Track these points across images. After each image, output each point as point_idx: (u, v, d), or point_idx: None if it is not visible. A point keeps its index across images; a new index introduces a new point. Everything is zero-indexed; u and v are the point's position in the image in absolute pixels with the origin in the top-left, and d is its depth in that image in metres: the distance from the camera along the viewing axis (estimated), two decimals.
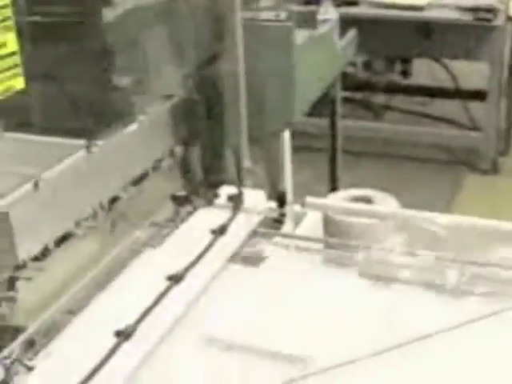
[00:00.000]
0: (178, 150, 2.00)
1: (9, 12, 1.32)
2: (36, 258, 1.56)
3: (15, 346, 1.47)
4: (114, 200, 1.77)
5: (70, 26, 1.71)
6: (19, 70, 1.36)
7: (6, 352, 1.45)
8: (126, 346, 1.38)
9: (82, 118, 1.84)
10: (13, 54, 1.35)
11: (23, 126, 1.80)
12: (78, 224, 1.65)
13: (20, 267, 1.52)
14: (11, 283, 1.52)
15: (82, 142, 1.71)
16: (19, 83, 1.37)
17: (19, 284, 1.52)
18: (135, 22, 1.96)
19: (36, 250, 1.55)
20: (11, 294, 1.51)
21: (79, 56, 1.77)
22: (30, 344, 1.52)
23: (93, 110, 1.84)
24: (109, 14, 1.88)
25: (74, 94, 1.81)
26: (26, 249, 1.51)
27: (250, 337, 1.49)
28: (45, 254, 1.57)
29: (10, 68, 1.34)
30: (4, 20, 1.31)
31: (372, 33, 4.06)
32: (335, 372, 1.36)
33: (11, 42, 1.34)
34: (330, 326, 1.52)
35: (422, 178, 4.51)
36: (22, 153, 1.75)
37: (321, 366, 1.37)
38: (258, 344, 1.46)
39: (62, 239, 1.63)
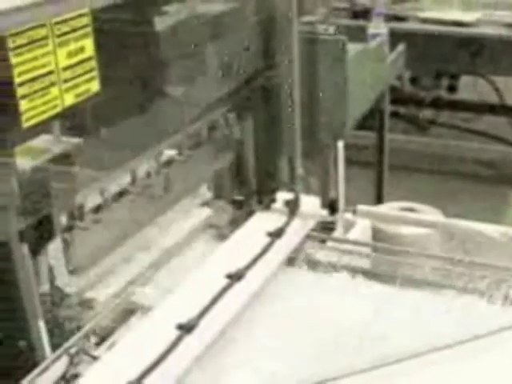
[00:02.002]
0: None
1: (87, 20, 1.40)
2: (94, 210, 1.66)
3: (79, 337, 1.55)
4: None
5: (121, 33, 1.73)
6: (95, 73, 1.44)
7: (70, 342, 1.53)
8: (188, 338, 1.45)
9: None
10: (89, 58, 1.42)
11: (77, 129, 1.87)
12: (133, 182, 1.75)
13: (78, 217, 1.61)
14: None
15: None
16: (94, 86, 1.44)
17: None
18: (189, 31, 2.01)
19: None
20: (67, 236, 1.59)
21: (131, 64, 1.79)
22: (94, 335, 1.59)
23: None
24: (161, 23, 1.92)
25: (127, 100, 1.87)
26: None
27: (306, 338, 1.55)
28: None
29: (86, 72, 1.42)
30: (83, 27, 1.39)
31: (420, 48, 4.09)
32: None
33: (88, 47, 1.42)
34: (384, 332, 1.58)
35: (467, 194, 4.51)
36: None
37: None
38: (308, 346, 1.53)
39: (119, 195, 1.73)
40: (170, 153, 1.90)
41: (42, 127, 1.44)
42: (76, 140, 1.60)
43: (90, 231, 1.63)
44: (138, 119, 1.78)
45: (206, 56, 2.04)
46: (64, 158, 1.56)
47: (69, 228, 1.60)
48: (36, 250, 1.50)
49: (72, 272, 1.63)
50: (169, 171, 1.86)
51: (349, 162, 2.52)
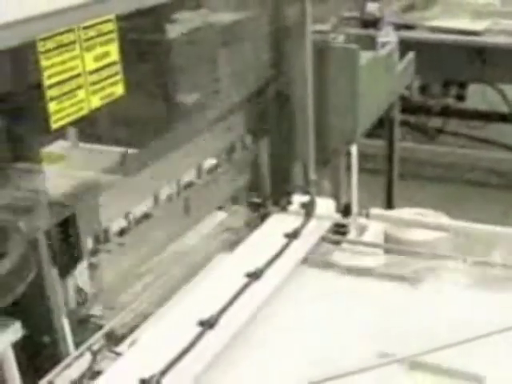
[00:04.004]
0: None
1: (112, 26, 1.44)
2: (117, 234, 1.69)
3: (102, 334, 1.59)
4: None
5: (132, 42, 1.75)
6: (119, 77, 1.49)
7: (93, 339, 1.57)
8: (210, 334, 1.49)
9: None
10: (114, 63, 1.47)
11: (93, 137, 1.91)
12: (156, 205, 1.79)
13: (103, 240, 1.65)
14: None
15: None
16: (119, 90, 1.49)
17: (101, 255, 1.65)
18: (203, 39, 2.03)
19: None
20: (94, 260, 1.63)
21: (143, 72, 1.83)
22: (116, 332, 1.63)
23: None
24: (173, 31, 1.94)
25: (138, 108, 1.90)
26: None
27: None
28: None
29: (111, 76, 1.46)
30: (108, 32, 1.44)
31: (429, 57, 4.12)
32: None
33: (113, 52, 1.46)
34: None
35: (476, 201, 4.53)
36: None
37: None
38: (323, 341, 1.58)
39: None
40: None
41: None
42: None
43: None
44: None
45: (221, 64, 2.07)
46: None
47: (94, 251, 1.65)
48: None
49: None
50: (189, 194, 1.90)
51: (359, 169, 2.57)
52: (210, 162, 2.00)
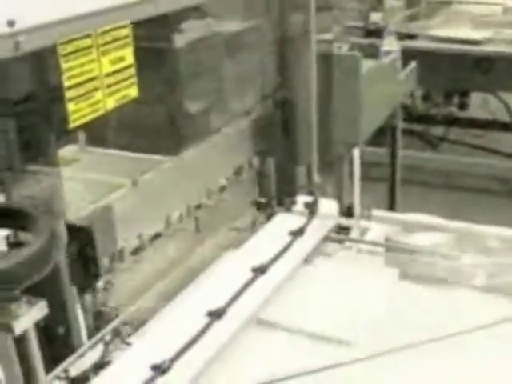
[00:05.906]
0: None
1: (127, 31, 1.52)
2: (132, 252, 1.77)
3: (114, 325, 1.66)
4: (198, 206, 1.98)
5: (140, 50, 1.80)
6: (134, 80, 1.57)
7: (106, 330, 1.64)
8: (218, 324, 1.57)
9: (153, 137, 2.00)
10: (129, 66, 1.55)
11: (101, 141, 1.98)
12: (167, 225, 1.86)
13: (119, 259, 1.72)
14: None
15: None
16: (134, 92, 1.57)
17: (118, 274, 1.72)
18: (210, 48, 2.09)
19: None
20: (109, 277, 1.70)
21: (150, 80, 1.86)
22: (127, 324, 1.71)
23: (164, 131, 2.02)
24: (180, 41, 1.99)
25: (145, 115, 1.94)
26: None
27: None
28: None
29: (126, 79, 1.55)
30: (123, 38, 1.52)
31: (430, 66, 4.18)
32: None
33: (128, 56, 1.54)
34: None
35: (478, 208, 4.57)
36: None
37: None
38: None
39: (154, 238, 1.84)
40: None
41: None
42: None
43: None
44: None
45: (229, 72, 2.14)
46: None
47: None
48: None
49: None
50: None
51: (362, 177, 2.63)
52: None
